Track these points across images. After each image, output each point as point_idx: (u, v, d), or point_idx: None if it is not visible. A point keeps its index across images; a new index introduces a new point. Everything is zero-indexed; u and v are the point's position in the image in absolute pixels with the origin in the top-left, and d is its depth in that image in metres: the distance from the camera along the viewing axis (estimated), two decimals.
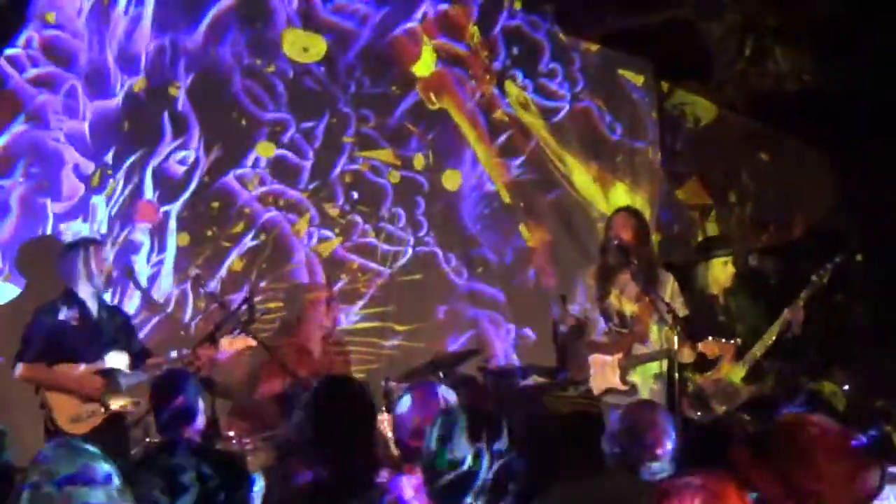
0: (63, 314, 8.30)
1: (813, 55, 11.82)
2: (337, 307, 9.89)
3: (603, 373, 8.71)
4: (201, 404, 6.73)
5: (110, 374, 8.23)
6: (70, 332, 8.28)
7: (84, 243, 8.63)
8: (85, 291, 8.40)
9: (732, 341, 8.75)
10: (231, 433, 8.44)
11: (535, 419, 6.08)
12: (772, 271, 11.46)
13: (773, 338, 9.02)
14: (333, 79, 10.59)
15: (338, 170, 10.58)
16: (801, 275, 10.30)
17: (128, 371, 8.32)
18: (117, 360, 8.31)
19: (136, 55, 9.88)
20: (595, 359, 8.86)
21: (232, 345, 8.53)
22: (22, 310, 8.91)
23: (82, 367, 8.17)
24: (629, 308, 8.84)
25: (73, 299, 8.37)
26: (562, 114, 11.56)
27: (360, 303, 10.62)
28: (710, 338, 8.62)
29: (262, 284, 10.16)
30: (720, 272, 9.36)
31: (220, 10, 10.21)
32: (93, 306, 8.42)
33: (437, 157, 10.99)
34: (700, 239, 11.78)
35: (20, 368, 8.19)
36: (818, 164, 12.28)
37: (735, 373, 8.98)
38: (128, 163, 9.82)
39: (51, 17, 9.54)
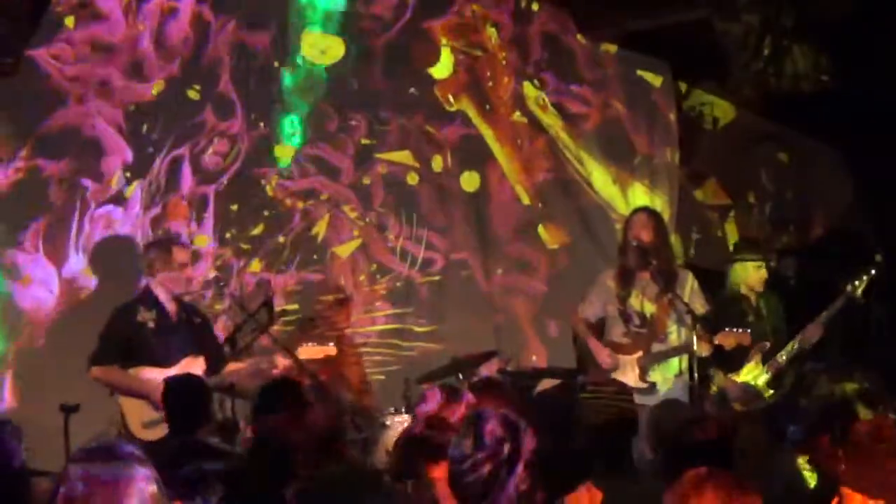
0: (141, 315, 8.19)
1: (831, 55, 11.79)
2: (353, 308, 9.90)
3: (623, 373, 8.72)
4: (214, 406, 6.76)
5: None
6: (147, 335, 8.14)
7: (166, 242, 8.62)
8: (164, 292, 8.37)
9: (747, 330, 8.77)
10: (249, 435, 8.43)
11: (569, 420, 6.07)
12: (792, 272, 11.43)
13: (797, 345, 9.05)
14: (352, 81, 10.60)
15: (357, 172, 10.60)
16: (821, 276, 10.30)
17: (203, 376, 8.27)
18: (193, 364, 8.24)
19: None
20: (610, 354, 8.87)
21: (307, 353, 8.52)
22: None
23: (157, 370, 8.01)
24: (649, 308, 8.85)
25: (151, 300, 8.27)
26: (580, 115, 11.56)
27: (380, 304, 10.63)
28: (727, 328, 8.65)
29: (282, 286, 10.18)
30: (752, 274, 9.38)
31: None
32: (171, 308, 8.31)
33: (455, 159, 10.99)
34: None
35: (94, 370, 8.08)
36: (837, 164, 12.25)
37: (759, 376, 9.00)
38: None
39: (70, 22, 9.59)
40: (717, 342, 8.62)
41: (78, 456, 3.95)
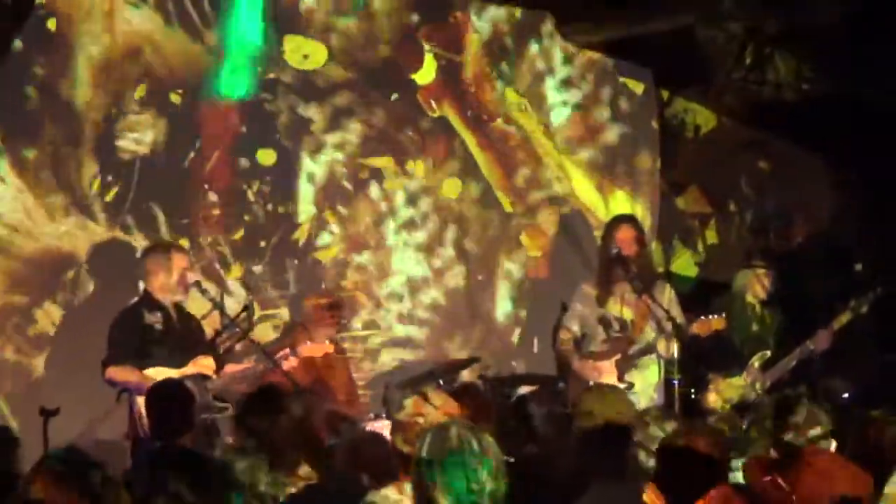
0: (147, 318, 8.25)
1: (814, 63, 11.81)
2: (339, 314, 9.89)
3: (600, 377, 8.74)
4: (196, 412, 6.76)
5: (196, 381, 8.10)
6: (156, 337, 8.23)
7: (166, 248, 8.61)
8: (164, 296, 8.37)
9: (722, 315, 8.78)
10: (230, 439, 8.43)
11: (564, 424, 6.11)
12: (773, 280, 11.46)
13: (793, 363, 9.10)
14: (334, 86, 10.59)
15: (339, 177, 10.58)
16: (802, 284, 10.31)
17: (214, 377, 8.29)
18: (203, 365, 8.25)
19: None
20: (594, 366, 8.88)
21: (308, 351, 8.55)
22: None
23: (169, 371, 8.01)
24: (628, 314, 8.86)
25: (154, 303, 8.32)
26: (562, 121, 11.57)
27: (362, 310, 10.61)
28: (702, 317, 8.70)
29: (263, 291, 10.16)
30: (759, 281, 9.44)
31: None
32: (173, 311, 8.38)
33: (437, 165, 10.99)
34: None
35: (110, 370, 8.10)
36: (818, 172, 12.28)
37: (746, 393, 9.06)
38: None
39: (52, 24, 9.57)
40: (693, 330, 8.66)
41: (45, 461, 3.96)
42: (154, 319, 8.25)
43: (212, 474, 5.60)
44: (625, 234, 8.91)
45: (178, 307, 8.47)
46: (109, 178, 9.78)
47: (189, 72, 10.10)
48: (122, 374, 8.11)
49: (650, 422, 5.86)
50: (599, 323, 8.90)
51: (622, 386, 8.69)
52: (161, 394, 7.02)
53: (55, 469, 3.94)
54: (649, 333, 8.88)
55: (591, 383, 8.35)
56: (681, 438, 5.18)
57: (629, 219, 9.37)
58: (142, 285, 8.48)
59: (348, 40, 10.63)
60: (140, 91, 9.91)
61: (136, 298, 8.55)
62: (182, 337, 8.37)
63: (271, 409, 5.90)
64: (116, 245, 9.65)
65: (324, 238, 10.51)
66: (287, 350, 8.57)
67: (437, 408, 5.52)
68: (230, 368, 8.48)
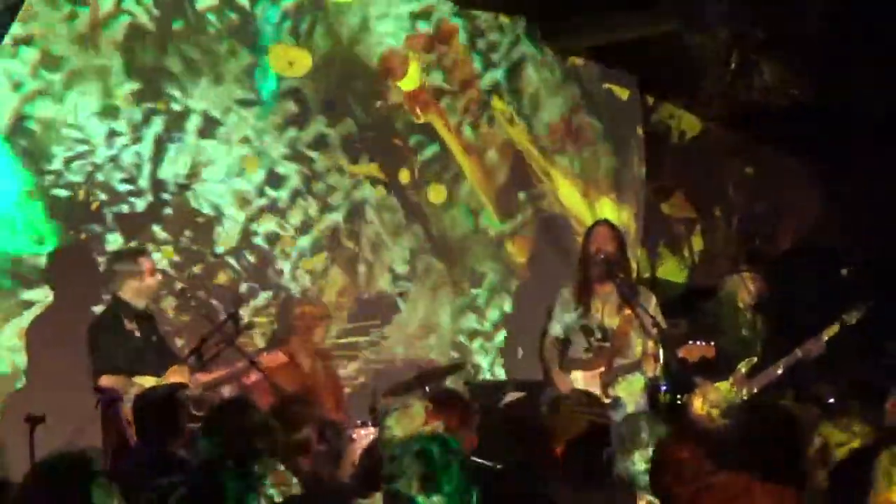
0: (126, 325, 8.21)
1: (800, 69, 11.84)
2: (326, 321, 9.89)
3: (585, 388, 8.70)
4: (185, 420, 6.75)
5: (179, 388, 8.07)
6: (137, 344, 8.20)
7: (133, 253, 8.60)
8: (137, 302, 8.34)
9: (710, 343, 8.78)
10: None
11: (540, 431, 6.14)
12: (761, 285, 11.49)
13: (780, 370, 9.08)
14: (319, 93, 10.58)
15: (324, 185, 10.57)
16: (789, 289, 10.31)
17: (190, 385, 8.26)
18: (179, 373, 8.22)
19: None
20: (573, 379, 8.83)
21: (269, 361, 8.56)
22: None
23: (153, 380, 7.99)
24: (611, 322, 8.82)
25: (130, 310, 8.28)
26: (547, 128, 11.58)
27: (348, 317, 10.61)
28: (690, 342, 8.67)
29: (249, 299, 10.15)
30: (749, 286, 9.44)
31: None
32: (145, 318, 8.36)
33: (422, 172, 11.00)
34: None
35: (104, 379, 8.04)
36: (804, 177, 12.31)
37: (732, 399, 9.04)
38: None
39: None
40: (681, 355, 8.64)
41: (41, 467, 3.96)
42: (132, 326, 8.23)
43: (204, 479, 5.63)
44: (604, 233, 8.93)
45: (148, 313, 8.46)
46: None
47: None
48: (115, 381, 8.07)
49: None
50: (581, 331, 8.87)
51: (606, 402, 8.66)
52: (154, 400, 7.00)
53: (50, 475, 3.93)
54: (636, 345, 8.84)
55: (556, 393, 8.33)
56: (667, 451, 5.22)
57: (605, 221, 9.42)
58: (105, 292, 8.45)
59: (333, 47, 10.64)
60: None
61: (107, 305, 8.52)
62: (156, 344, 8.35)
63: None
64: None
65: (309, 246, 10.50)
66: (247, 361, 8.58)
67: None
68: (202, 377, 8.44)
